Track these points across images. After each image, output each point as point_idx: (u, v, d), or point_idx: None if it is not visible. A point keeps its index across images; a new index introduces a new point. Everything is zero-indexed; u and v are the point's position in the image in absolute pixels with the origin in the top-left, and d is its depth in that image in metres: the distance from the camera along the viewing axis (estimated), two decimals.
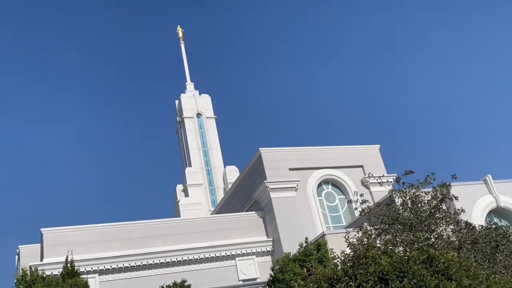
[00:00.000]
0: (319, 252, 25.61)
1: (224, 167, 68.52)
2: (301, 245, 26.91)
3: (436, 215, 16.62)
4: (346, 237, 13.94)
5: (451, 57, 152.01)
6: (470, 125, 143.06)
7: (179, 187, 68.43)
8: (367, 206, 15.47)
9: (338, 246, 28.65)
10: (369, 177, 44.97)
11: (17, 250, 53.54)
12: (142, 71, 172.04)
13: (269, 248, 43.26)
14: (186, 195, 65.74)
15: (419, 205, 16.49)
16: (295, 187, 43.68)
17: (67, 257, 23.09)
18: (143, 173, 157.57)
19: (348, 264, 10.87)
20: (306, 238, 29.71)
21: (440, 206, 16.78)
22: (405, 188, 16.05)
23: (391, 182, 47.44)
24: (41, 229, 38.44)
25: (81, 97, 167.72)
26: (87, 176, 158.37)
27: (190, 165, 67.68)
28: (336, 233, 29.93)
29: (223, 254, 42.05)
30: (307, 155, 46.00)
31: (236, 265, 42.36)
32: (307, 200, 43.99)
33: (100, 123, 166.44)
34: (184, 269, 40.12)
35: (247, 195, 46.96)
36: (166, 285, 33.35)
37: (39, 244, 50.97)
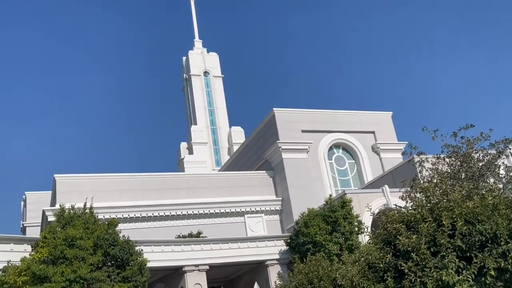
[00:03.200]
0: (344, 209, 26.01)
1: (230, 127, 68.42)
2: (326, 201, 27.25)
3: (491, 171, 16.83)
4: (409, 189, 13.98)
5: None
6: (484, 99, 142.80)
7: (184, 145, 68.36)
8: (422, 158, 15.61)
9: (358, 205, 29.22)
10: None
11: (23, 197, 53.61)
12: (150, 25, 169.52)
13: (277, 207, 43.77)
14: (191, 152, 65.75)
15: (473, 161, 16.65)
16: (307, 149, 43.88)
17: (85, 203, 23.06)
18: (147, 128, 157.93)
19: (426, 207, 11.02)
20: (330, 195, 30.07)
21: (496, 163, 16.98)
22: (463, 143, 16.19)
23: (400, 149, 47.95)
24: (54, 175, 38.30)
25: (91, 53, 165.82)
26: (92, 129, 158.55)
27: (195, 124, 67.44)
28: (357, 193, 30.36)
29: (232, 210, 42.48)
30: (320, 117, 46.03)
31: (245, 222, 42.88)
32: (318, 162, 44.30)
33: (108, 77, 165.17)
34: (195, 223, 40.50)
35: (258, 154, 47.13)
36: (182, 235, 33.90)
37: (46, 191, 51.33)
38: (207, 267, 26.94)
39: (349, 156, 46.75)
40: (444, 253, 10.00)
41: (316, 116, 46.02)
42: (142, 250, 21.83)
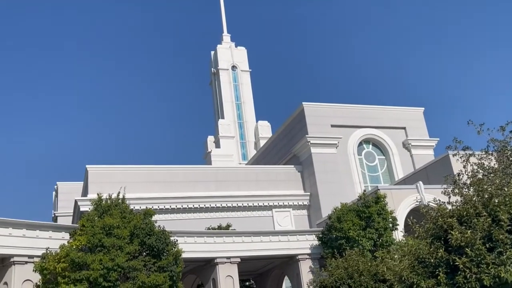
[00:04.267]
0: (378, 205, 25.63)
1: (257, 121, 68.33)
2: (360, 197, 26.91)
3: None
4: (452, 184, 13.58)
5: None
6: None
7: (211, 138, 68.63)
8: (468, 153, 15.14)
9: (392, 201, 28.77)
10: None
11: (55, 187, 54.59)
12: (179, 20, 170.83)
13: (305, 202, 43.53)
14: (217, 146, 65.96)
15: None
16: (336, 144, 43.46)
17: (119, 193, 23.18)
18: (175, 122, 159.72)
19: (480, 202, 10.67)
20: (364, 190, 29.70)
21: None
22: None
23: (432, 146, 47.12)
24: (87, 166, 38.87)
25: (122, 48, 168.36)
26: (123, 122, 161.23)
27: (222, 117, 67.59)
28: (390, 189, 29.88)
29: (260, 204, 42.43)
30: (350, 112, 45.53)
31: (272, 216, 42.81)
32: (347, 158, 43.86)
33: (139, 72, 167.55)
34: (223, 216, 40.59)
35: (286, 148, 46.92)
36: (212, 227, 34.00)
37: (77, 182, 52.18)
38: (239, 260, 26.94)
39: (379, 152, 46.15)
40: (502, 249, 9.68)
41: (346, 111, 45.52)
42: (177, 240, 21.93)
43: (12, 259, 20.97)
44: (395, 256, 15.03)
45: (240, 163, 64.24)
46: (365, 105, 46.84)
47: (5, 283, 20.99)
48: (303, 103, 44.52)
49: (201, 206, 40.30)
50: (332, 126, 44.26)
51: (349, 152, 44.10)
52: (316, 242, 28.51)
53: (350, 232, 24.55)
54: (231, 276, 26.28)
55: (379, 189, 28.42)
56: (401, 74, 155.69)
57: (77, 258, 19.13)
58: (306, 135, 42.55)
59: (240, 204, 41.65)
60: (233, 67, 70.43)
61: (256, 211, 42.48)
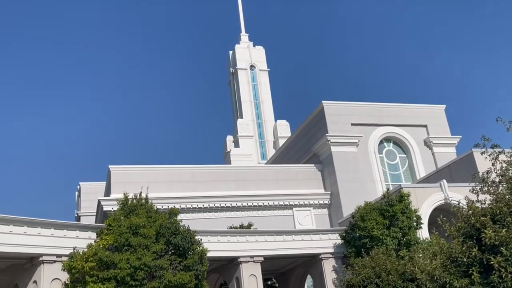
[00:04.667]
0: (401, 203, 25.44)
1: (275, 121, 68.34)
2: (384, 195, 26.73)
3: None
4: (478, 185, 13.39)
5: None
6: None
7: (230, 138, 68.86)
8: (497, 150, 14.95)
9: (415, 199, 28.52)
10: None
11: (78, 187, 55.35)
12: (197, 20, 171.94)
13: (326, 201, 43.40)
14: (237, 146, 66.14)
15: None
16: (357, 142, 43.25)
17: (141, 192, 23.39)
18: (194, 122, 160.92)
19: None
20: (388, 189, 29.53)
21: None
22: None
23: (454, 144, 46.55)
24: (109, 166, 39.30)
25: (140, 48, 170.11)
26: (141, 122, 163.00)
27: (241, 117, 67.75)
28: (413, 187, 29.63)
29: (281, 203, 42.45)
30: (370, 111, 45.24)
31: (293, 215, 42.78)
32: (368, 156, 43.59)
33: (157, 72, 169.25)
34: (244, 215, 40.73)
35: (306, 147, 46.83)
36: (233, 227, 34.13)
37: (99, 182, 52.87)
38: (262, 259, 27.01)
39: (400, 150, 45.77)
40: None
41: (366, 109, 45.25)
42: (201, 239, 22.09)
43: (41, 258, 21.36)
44: (421, 255, 14.88)
45: (259, 163, 64.34)
46: (385, 103, 46.51)
47: (35, 282, 21.39)
48: (323, 101, 44.38)
49: (221, 205, 40.49)
50: (353, 124, 44.04)
51: (369, 150, 43.83)
52: (339, 241, 28.42)
53: (374, 231, 24.41)
54: (254, 275, 26.37)
55: (402, 188, 28.19)
56: (422, 71, 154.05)
57: (104, 257, 19.42)
58: (326, 134, 42.42)
59: (260, 203, 41.72)
60: (251, 67, 70.52)
61: (277, 210, 42.52)
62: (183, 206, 39.34)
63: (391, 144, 45.71)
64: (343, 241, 27.72)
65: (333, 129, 43.05)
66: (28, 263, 21.88)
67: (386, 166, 44.66)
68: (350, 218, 28.98)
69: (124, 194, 22.39)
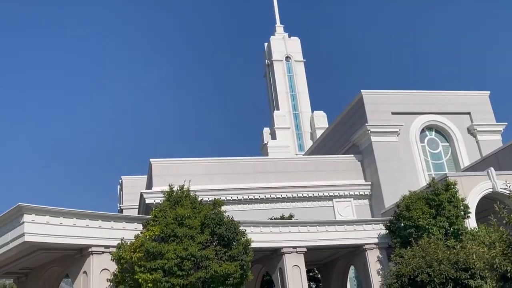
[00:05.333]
0: (448, 192, 24.74)
1: (312, 112, 67.79)
2: (429, 184, 26.08)
3: None
4: None
5: None
6: None
7: (266, 130, 68.82)
8: None
9: (462, 188, 27.69)
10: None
11: (120, 181, 56.63)
12: (231, 12, 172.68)
13: (367, 192, 42.78)
14: (273, 137, 66.06)
15: None
16: (397, 131, 42.37)
17: (183, 185, 23.61)
18: (231, 115, 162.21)
19: None
20: (433, 178, 28.80)
21: None
22: None
23: (499, 131, 44.97)
24: (150, 160, 39.92)
25: (177, 43, 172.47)
26: (180, 116, 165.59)
27: (277, 109, 67.52)
28: (459, 175, 28.78)
29: (320, 194, 42.14)
30: (411, 99, 44.20)
31: (333, 206, 42.42)
32: (409, 145, 42.66)
33: (193, 66, 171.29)
34: (284, 206, 40.65)
35: (344, 138, 46.24)
36: (274, 218, 34.10)
37: (140, 176, 53.92)
38: (305, 249, 26.87)
39: (442, 138, 44.58)
40: None
41: (406, 97, 44.24)
42: (245, 230, 22.15)
43: (90, 249, 21.93)
44: (476, 244, 14.39)
45: (296, 154, 64.05)
46: (426, 91, 45.35)
47: (85, 272, 22.00)
48: (361, 90, 43.65)
49: (261, 197, 40.55)
50: (393, 113, 43.16)
51: (411, 139, 42.90)
52: (383, 232, 27.95)
53: (420, 220, 23.84)
54: (297, 266, 26.28)
55: (447, 176, 27.43)
56: (464, 57, 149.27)
57: (151, 247, 19.73)
58: (366, 124, 41.74)
59: (300, 195, 41.55)
60: (287, 58, 70.08)
61: (317, 202, 42.23)
62: (223, 198, 39.32)
63: (433, 132, 44.57)
64: (387, 231, 27.23)
65: (373, 118, 42.30)
66: (78, 254, 22.50)
67: (428, 155, 43.59)
68: (394, 208, 28.41)
69: (169, 185, 22.67)
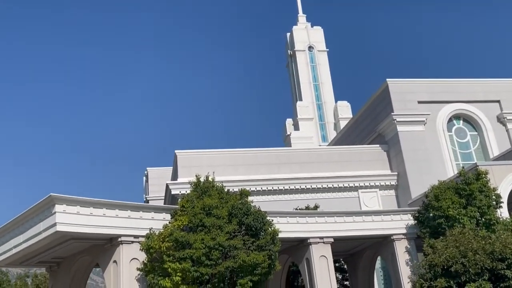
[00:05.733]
0: (479, 182, 24.23)
1: (335, 102, 67.17)
2: (460, 173, 25.57)
3: None
4: None
5: None
6: None
7: (289, 121, 68.53)
8: None
9: (493, 178, 27.10)
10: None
11: (145, 172, 57.30)
12: (254, 3, 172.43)
13: (393, 182, 42.26)
14: (296, 128, 65.75)
15: None
16: (424, 121, 41.66)
17: (208, 176, 23.65)
18: (254, 106, 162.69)
19: None
20: (463, 167, 28.24)
21: None
22: None
23: None
24: (176, 151, 40.18)
25: (201, 34, 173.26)
26: (204, 108, 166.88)
27: (300, 99, 67.14)
28: (490, 165, 28.16)
29: (346, 185, 41.83)
30: (438, 87, 43.34)
31: (359, 197, 42.07)
32: (436, 135, 41.90)
33: (215, 58, 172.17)
34: (309, 197, 40.45)
35: (370, 128, 45.70)
36: (300, 208, 34.02)
37: (165, 167, 54.42)
38: (332, 240, 26.73)
39: (471, 127, 43.64)
40: None
41: (433, 86, 43.39)
42: (272, 220, 22.13)
43: (119, 239, 22.22)
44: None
45: (320, 145, 63.66)
46: (454, 79, 44.41)
47: (115, 261, 22.32)
48: (387, 79, 42.98)
49: (286, 188, 40.48)
50: (419, 102, 42.43)
51: (438, 129, 42.13)
52: (411, 222, 27.59)
53: (450, 210, 23.43)
54: (325, 256, 26.17)
55: (478, 166, 26.86)
56: (494, 44, 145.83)
57: (180, 237, 19.89)
58: (392, 113, 41.13)
59: (325, 185, 41.32)
60: (310, 48, 69.49)
61: (342, 192, 41.96)
62: (247, 188, 39.52)
63: (461, 121, 43.68)
64: (416, 221, 26.86)
65: (399, 107, 41.65)
66: (108, 244, 22.83)
67: (456, 145, 42.78)
68: (422, 198, 27.98)
69: (196, 175, 22.77)
